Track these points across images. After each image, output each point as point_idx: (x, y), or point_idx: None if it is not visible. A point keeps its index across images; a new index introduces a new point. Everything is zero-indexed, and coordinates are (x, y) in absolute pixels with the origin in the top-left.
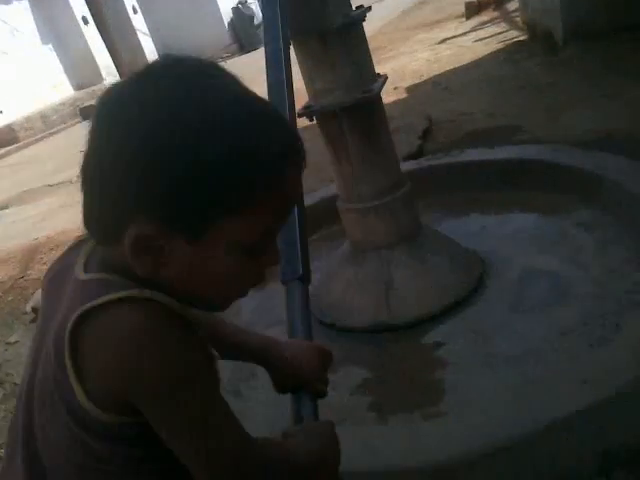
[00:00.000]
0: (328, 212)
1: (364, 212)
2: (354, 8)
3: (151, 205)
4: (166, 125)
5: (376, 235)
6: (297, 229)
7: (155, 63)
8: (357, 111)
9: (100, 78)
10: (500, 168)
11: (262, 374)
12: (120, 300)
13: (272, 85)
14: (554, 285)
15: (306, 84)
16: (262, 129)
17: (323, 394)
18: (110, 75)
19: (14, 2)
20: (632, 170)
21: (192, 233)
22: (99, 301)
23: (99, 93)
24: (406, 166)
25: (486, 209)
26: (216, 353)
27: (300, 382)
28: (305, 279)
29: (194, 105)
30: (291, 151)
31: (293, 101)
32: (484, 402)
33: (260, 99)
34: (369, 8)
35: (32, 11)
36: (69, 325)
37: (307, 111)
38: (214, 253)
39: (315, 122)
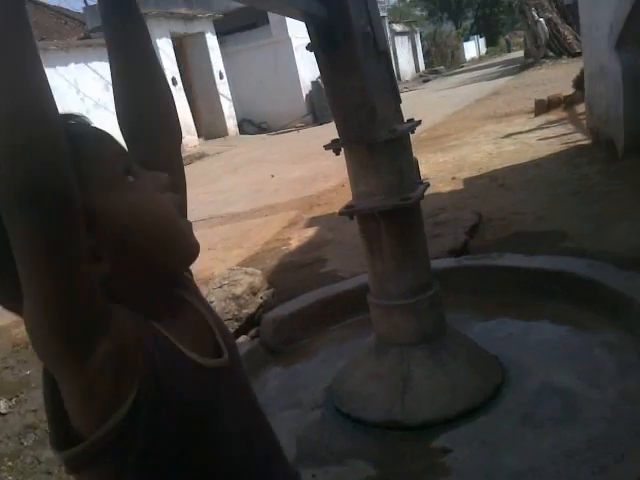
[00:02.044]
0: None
1: (390, 309)
2: (405, 120)
3: None
4: None
5: (400, 333)
6: None
7: None
8: (394, 215)
9: None
10: (535, 277)
11: None
12: None
13: None
14: (568, 404)
15: (351, 185)
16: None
17: None
18: (189, 134)
19: None
20: None
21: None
22: None
23: None
24: (445, 263)
25: (516, 315)
26: None
27: None
28: None
29: None
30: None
31: None
32: None
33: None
34: (418, 122)
35: None
36: None
37: (348, 210)
38: (109, 200)
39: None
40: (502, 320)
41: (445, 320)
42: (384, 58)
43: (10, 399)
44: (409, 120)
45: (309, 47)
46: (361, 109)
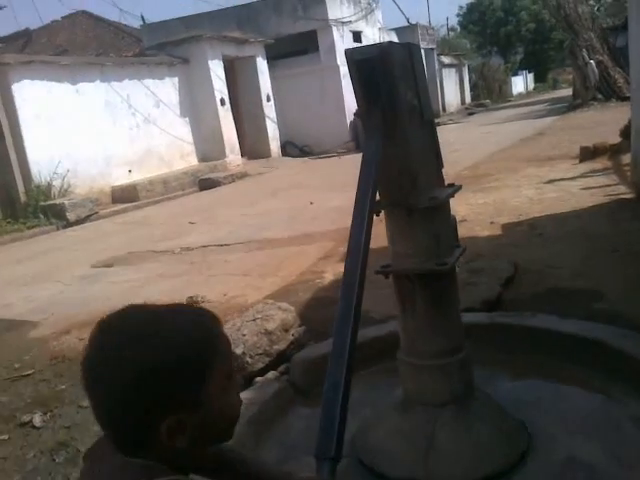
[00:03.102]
0: (396, 345)
1: (419, 368)
2: (446, 184)
3: (173, 407)
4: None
5: (427, 392)
6: (339, 407)
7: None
8: (429, 278)
9: (223, 154)
10: (566, 341)
11: None
12: None
13: (352, 250)
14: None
15: (388, 243)
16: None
17: None
18: (232, 153)
19: (166, 78)
20: None
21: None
22: None
23: (219, 167)
24: (477, 318)
25: (545, 378)
26: None
27: None
28: (336, 459)
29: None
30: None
31: (365, 263)
32: None
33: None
34: (459, 187)
35: (179, 87)
36: None
37: (384, 270)
38: (214, 399)
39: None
40: (531, 382)
41: (473, 382)
42: (429, 126)
43: (45, 413)
44: (449, 185)
45: (357, 114)
46: (403, 175)
